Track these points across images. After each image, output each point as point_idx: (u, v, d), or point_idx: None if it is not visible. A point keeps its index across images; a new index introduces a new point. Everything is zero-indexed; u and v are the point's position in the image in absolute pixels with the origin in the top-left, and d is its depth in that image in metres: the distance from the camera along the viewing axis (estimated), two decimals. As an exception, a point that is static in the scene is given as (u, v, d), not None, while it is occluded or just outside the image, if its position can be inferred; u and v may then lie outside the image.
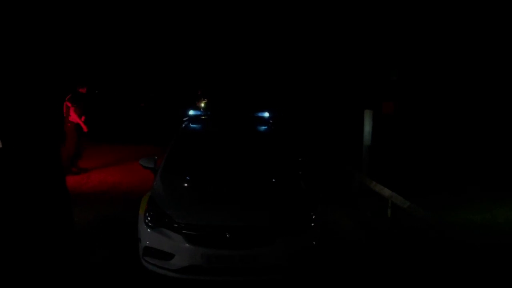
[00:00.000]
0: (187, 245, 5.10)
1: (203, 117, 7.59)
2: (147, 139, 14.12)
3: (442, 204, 8.16)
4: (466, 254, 5.80)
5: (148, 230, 5.34)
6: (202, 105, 15.50)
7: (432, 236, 6.59)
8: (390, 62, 17.28)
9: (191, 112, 7.46)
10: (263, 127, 7.17)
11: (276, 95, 19.43)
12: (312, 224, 5.40)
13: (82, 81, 10.55)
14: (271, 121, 7.28)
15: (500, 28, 15.89)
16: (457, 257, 5.95)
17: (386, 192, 7.32)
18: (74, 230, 5.96)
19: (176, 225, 5.21)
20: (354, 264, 5.94)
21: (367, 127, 8.91)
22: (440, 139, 14.33)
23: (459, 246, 5.99)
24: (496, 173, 10.56)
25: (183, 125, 7.13)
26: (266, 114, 7.40)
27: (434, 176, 10.41)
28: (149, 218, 5.41)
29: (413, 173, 10.45)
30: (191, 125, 7.14)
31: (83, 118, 10.21)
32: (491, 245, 5.65)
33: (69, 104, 10.11)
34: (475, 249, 5.61)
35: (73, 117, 10.13)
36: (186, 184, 5.97)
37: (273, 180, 6.03)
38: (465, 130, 14.94)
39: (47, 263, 5.34)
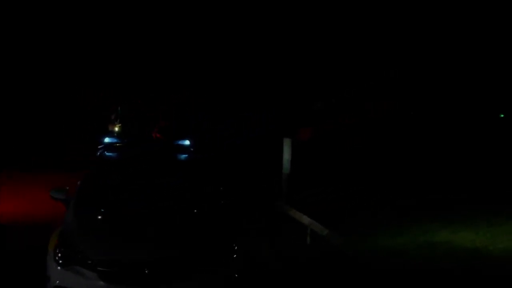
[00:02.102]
0: (103, 283, 4.79)
1: (119, 144, 7.30)
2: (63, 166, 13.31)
3: (360, 229, 8.42)
4: (380, 280, 5.99)
5: (59, 268, 4.96)
6: (116, 129, 14.81)
7: (350, 263, 6.75)
8: (314, 91, 17.92)
9: (107, 140, 7.15)
10: (183, 156, 7.03)
11: (198, 122, 19.27)
12: (235, 255, 5.31)
13: None
14: (192, 149, 7.16)
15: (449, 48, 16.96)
16: (370, 284, 6.12)
17: (306, 219, 7.45)
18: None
19: (90, 262, 4.88)
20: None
21: (286, 155, 9.08)
22: (358, 163, 14.91)
23: (374, 272, 6.18)
24: (414, 195, 11.11)
25: (98, 153, 6.81)
26: (187, 142, 7.28)
27: (352, 200, 10.76)
28: (59, 255, 5.03)
29: (333, 199, 10.73)
30: (107, 153, 6.83)
31: None
32: (405, 271, 5.89)
33: None
34: (389, 275, 5.81)
35: None
36: (100, 217, 5.64)
37: (194, 210, 5.89)
38: (384, 153, 15.66)
39: None
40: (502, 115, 19.21)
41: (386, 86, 18.31)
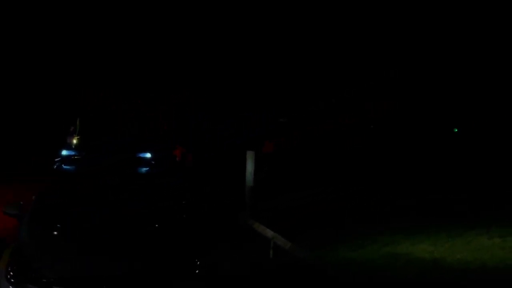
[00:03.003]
0: (57, 302, 4.58)
1: (76, 157, 7.09)
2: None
3: (323, 241, 8.45)
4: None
5: (10, 287, 4.72)
6: (74, 141, 14.35)
7: (312, 275, 6.75)
8: (279, 106, 18.06)
9: (64, 152, 6.94)
10: (144, 169, 6.90)
11: (158, 135, 19.00)
12: (197, 271, 5.20)
13: None
14: (153, 162, 7.04)
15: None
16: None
17: (269, 233, 7.42)
18: None
19: (44, 280, 4.67)
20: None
21: (250, 167, 9.05)
22: (320, 175, 15.05)
23: (337, 284, 6.19)
24: (375, 207, 11.27)
25: (54, 166, 6.58)
26: (148, 155, 7.15)
27: (315, 213, 10.81)
28: (11, 273, 4.80)
29: (297, 211, 10.75)
30: (63, 166, 6.62)
31: None
32: (365, 284, 5.93)
33: None
34: (352, 287, 5.84)
35: None
36: (56, 234, 5.42)
37: (155, 225, 5.75)
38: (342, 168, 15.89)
39: None
40: (456, 130, 19.91)
41: (347, 103, 18.69)
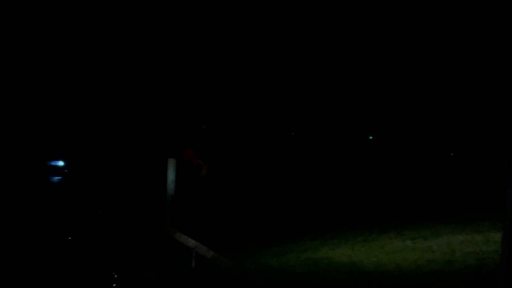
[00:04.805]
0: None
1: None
2: None
3: (245, 250, 8.43)
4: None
5: None
6: None
7: (234, 284, 6.69)
8: (201, 112, 17.85)
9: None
10: (56, 178, 6.48)
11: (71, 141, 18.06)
12: (114, 285, 4.96)
13: None
14: (66, 171, 6.64)
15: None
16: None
17: (191, 242, 7.24)
18: None
19: None
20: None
21: (171, 176, 8.80)
22: (242, 186, 15.10)
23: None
24: (292, 215, 11.45)
25: None
26: (61, 163, 6.73)
27: (237, 223, 10.80)
28: None
29: (218, 221, 10.67)
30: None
31: None
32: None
33: None
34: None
35: None
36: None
37: (69, 238, 5.41)
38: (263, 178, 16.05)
39: None
40: (371, 137, 20.86)
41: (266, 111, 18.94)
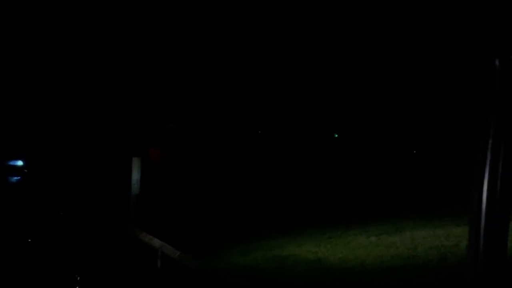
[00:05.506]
0: None
1: None
2: None
3: (212, 249, 8.38)
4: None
5: None
6: None
7: (201, 283, 6.63)
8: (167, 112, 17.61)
9: None
10: (15, 178, 6.26)
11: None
12: (77, 287, 4.83)
13: None
14: (25, 170, 6.41)
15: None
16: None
17: (156, 242, 7.15)
18: None
19: None
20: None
21: (136, 175, 8.67)
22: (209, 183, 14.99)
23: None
24: (260, 213, 11.45)
25: None
26: (20, 163, 6.51)
27: (204, 222, 10.72)
28: None
29: (184, 221, 10.56)
30: None
31: None
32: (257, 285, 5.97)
33: None
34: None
35: None
36: None
37: (28, 240, 5.23)
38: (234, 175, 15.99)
39: None
40: (336, 135, 21.12)
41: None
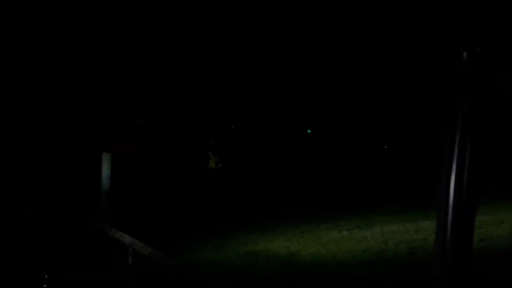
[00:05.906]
0: None
1: None
2: None
3: (183, 246, 8.31)
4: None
5: None
6: None
7: (172, 279, 6.58)
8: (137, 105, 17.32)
9: None
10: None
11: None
12: (45, 285, 4.72)
13: None
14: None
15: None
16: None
17: (127, 239, 7.07)
18: None
19: None
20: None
21: (106, 170, 8.53)
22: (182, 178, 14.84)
23: (199, 285, 6.11)
24: (230, 210, 11.42)
25: None
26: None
27: (174, 217, 10.62)
28: None
29: (156, 217, 10.44)
30: None
31: None
32: (229, 281, 5.96)
33: None
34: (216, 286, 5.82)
35: None
36: None
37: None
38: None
39: None
40: (309, 131, 21.24)
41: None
